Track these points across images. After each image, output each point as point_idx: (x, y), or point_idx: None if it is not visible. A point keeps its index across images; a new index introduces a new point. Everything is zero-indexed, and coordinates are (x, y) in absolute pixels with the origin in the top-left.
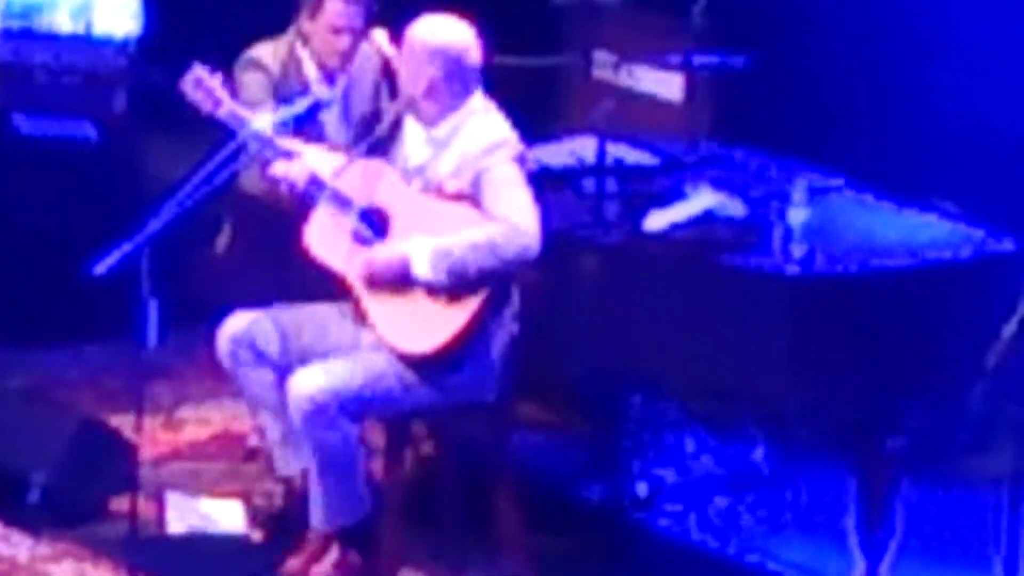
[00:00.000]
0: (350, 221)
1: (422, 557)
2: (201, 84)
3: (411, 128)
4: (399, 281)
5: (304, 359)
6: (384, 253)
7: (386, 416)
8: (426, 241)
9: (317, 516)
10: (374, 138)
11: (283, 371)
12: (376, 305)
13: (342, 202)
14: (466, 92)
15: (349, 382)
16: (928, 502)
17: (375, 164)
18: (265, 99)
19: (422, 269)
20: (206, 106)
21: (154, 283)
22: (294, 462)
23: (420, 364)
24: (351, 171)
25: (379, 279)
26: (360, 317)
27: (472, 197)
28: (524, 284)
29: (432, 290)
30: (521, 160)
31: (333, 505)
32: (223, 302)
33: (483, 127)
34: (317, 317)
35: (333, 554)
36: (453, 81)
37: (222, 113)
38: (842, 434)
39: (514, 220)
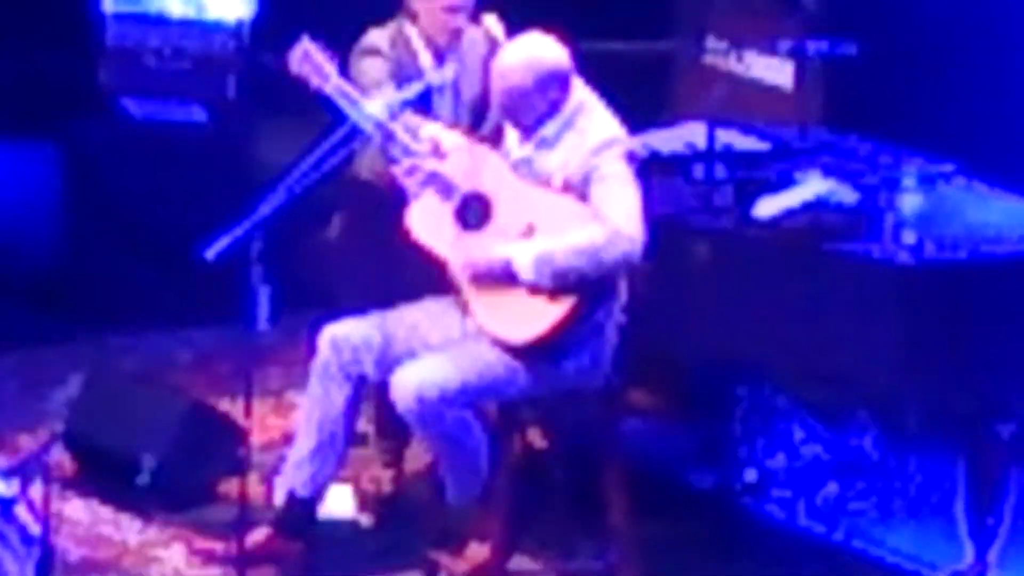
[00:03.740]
0: (453, 206)
1: (531, 543)
2: (309, 58)
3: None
4: (503, 280)
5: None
6: (485, 256)
7: (495, 401)
8: (528, 247)
9: (451, 493)
10: (483, 132)
11: (378, 381)
12: (477, 293)
13: (446, 187)
14: (565, 94)
15: (453, 374)
16: None
17: (481, 150)
18: (386, 80)
19: (526, 275)
20: (313, 80)
21: (265, 268)
22: (302, 482)
23: (525, 352)
24: (458, 156)
25: (482, 278)
26: (464, 305)
27: (580, 191)
28: (634, 271)
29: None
30: (631, 158)
31: (464, 480)
32: (334, 287)
33: (595, 124)
34: (421, 317)
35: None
36: (554, 93)
37: (329, 88)
38: (952, 421)
39: (618, 223)
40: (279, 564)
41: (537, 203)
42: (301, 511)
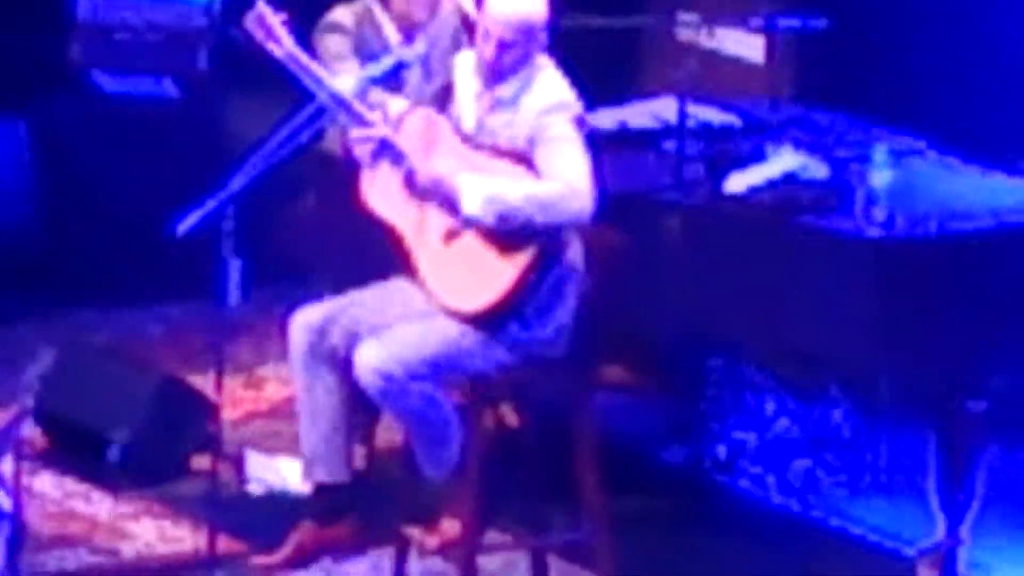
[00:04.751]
0: (403, 173)
1: (504, 519)
2: (263, 22)
3: (465, 85)
4: (441, 201)
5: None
6: (436, 172)
7: (460, 376)
8: (481, 181)
9: (426, 468)
10: (440, 87)
11: (345, 356)
12: (428, 262)
13: (396, 154)
14: (536, 52)
15: (414, 348)
16: (1009, 465)
17: (433, 117)
18: (348, 56)
19: (472, 207)
20: (266, 44)
21: (236, 242)
22: (325, 470)
23: (482, 322)
24: (408, 123)
25: (422, 190)
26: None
27: (527, 156)
28: (604, 245)
29: (483, 244)
30: (579, 123)
31: (435, 454)
32: (306, 262)
33: (545, 88)
34: (385, 295)
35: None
36: (530, 47)
37: (280, 53)
38: (923, 396)
39: (570, 180)
40: (335, 551)
41: (486, 169)
42: (336, 495)
